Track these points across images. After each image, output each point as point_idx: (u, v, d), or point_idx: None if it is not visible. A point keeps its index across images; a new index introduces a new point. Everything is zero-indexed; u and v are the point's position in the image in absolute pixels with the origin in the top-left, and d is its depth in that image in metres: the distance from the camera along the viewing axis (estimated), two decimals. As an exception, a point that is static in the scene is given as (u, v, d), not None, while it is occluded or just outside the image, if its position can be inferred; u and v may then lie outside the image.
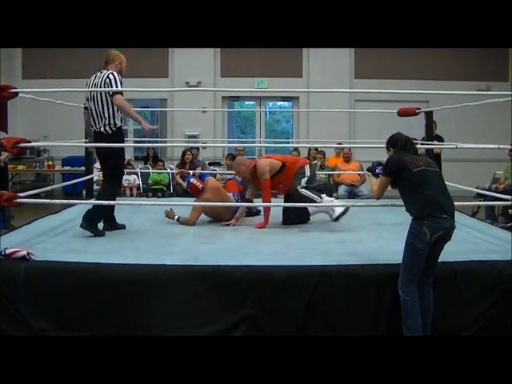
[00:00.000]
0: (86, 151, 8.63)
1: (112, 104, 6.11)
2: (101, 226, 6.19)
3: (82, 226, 5.95)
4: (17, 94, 5.46)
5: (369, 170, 5.16)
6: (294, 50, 15.05)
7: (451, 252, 4.69)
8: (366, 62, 15.08)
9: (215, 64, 15.14)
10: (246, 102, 16.80)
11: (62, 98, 7.69)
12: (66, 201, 5.42)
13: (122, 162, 6.76)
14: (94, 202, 6.14)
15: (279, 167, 7.01)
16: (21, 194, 5.52)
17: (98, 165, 10.52)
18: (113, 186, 6.43)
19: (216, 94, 14.97)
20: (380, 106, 11.59)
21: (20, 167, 13.46)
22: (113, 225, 6.41)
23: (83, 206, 6.58)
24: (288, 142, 15.86)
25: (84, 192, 9.47)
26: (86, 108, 6.54)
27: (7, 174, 10.21)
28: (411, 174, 4.44)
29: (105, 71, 6.19)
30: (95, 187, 9.35)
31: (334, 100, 13.46)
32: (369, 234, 6.34)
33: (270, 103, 16.99)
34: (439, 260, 4.56)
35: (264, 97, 15.63)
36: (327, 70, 14.71)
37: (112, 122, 6.16)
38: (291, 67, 15.16)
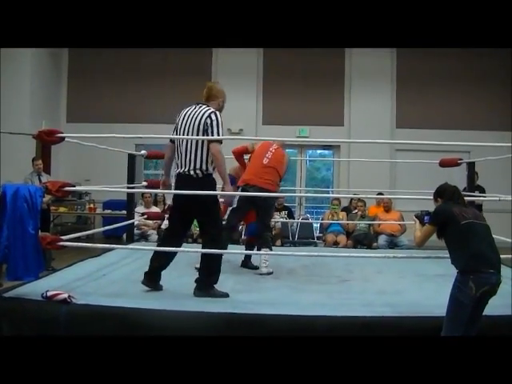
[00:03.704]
0: (128, 196, 8.56)
1: (208, 147, 5.36)
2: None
3: (196, 294, 5.42)
4: (63, 138, 5.54)
5: (417, 216, 5.07)
6: (336, 98, 15.24)
7: (494, 306, 4.58)
8: (407, 112, 15.13)
9: (257, 111, 15.30)
10: (288, 150, 16.76)
11: (104, 142, 7.69)
12: (107, 245, 5.43)
13: (218, 214, 5.66)
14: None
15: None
16: (63, 237, 5.58)
17: (139, 209, 10.69)
18: (215, 243, 5.49)
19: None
20: (421, 155, 11.51)
21: (61, 209, 13.60)
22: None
23: (123, 250, 6.61)
24: (328, 191, 15.79)
25: (124, 236, 9.57)
26: (172, 141, 5.67)
27: (49, 215, 10.36)
28: (459, 226, 4.38)
29: (205, 107, 5.44)
30: (135, 231, 9.41)
31: (375, 149, 13.43)
32: (409, 285, 6.27)
33: (310, 151, 17.02)
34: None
35: (305, 145, 15.61)
36: (368, 118, 14.75)
37: (204, 166, 5.39)
38: (332, 115, 15.21)
